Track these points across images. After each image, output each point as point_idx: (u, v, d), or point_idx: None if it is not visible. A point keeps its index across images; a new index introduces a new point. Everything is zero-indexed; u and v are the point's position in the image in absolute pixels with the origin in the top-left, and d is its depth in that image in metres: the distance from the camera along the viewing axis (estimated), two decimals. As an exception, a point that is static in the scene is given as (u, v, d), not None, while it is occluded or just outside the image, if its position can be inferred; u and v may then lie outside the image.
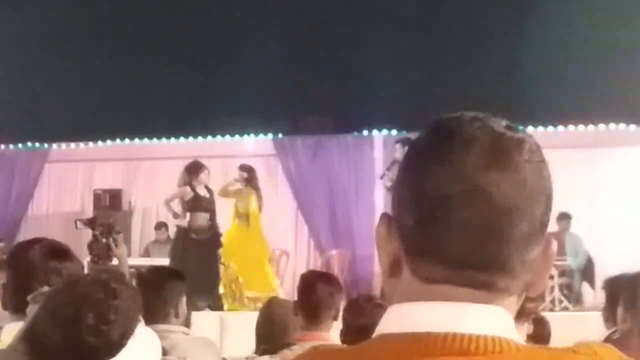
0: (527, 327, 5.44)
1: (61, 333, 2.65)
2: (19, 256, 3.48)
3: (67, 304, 2.70)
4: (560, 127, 13.49)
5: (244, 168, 12.78)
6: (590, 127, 13.61)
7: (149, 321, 4.77)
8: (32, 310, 2.87)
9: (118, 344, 2.73)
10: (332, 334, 4.75)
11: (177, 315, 4.84)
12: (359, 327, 4.30)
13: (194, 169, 12.43)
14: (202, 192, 12.35)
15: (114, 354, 2.73)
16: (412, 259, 1.25)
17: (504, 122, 1.25)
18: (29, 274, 3.27)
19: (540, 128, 12.74)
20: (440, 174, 1.21)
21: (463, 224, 1.20)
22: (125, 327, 2.72)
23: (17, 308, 3.23)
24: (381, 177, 12.55)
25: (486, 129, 1.23)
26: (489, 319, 1.20)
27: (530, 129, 12.42)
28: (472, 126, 1.23)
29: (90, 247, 7.45)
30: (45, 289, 3.07)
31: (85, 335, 2.64)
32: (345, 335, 4.59)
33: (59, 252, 3.42)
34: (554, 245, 1.27)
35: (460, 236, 1.20)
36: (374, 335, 1.25)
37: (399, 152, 11.92)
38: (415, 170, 1.25)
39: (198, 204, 12.27)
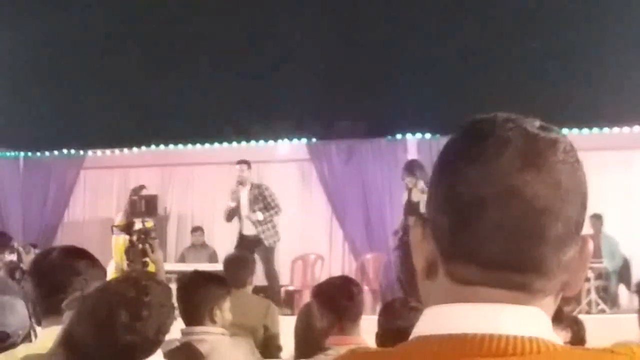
0: (564, 335, 5.43)
1: (97, 334, 2.67)
2: (38, 263, 3.51)
3: (101, 305, 2.72)
4: (595, 129, 13.41)
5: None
6: (626, 128, 13.52)
7: (190, 323, 4.83)
8: (67, 316, 2.89)
9: (154, 341, 2.74)
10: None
11: (212, 320, 4.87)
12: (394, 330, 4.30)
13: None
14: None
15: (152, 351, 2.75)
16: (447, 260, 1.25)
17: (537, 123, 1.25)
18: (49, 277, 3.30)
19: (575, 130, 12.67)
20: (475, 175, 1.21)
21: (498, 226, 1.19)
22: (159, 323, 2.73)
23: (48, 312, 3.26)
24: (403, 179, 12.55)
25: (520, 130, 1.23)
26: (525, 319, 1.20)
27: (564, 131, 12.40)
28: (506, 127, 1.23)
29: (127, 252, 7.50)
30: (78, 294, 3.09)
31: (121, 334, 2.65)
32: (381, 338, 4.60)
33: (76, 252, 3.46)
34: (590, 245, 1.26)
35: (495, 238, 1.20)
36: (411, 337, 1.25)
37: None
38: (450, 172, 1.24)
39: None
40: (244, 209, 12.64)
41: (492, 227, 1.20)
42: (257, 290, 11.53)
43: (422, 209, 12.02)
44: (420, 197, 12.06)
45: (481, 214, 1.20)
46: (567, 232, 1.22)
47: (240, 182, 12.74)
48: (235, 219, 12.74)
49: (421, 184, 12.06)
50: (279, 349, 7.02)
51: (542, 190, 1.20)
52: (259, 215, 12.59)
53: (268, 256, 12.55)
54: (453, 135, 1.29)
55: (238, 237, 12.66)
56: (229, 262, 7.52)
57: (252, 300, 7.14)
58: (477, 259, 1.21)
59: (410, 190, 12.23)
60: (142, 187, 13.09)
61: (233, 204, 12.66)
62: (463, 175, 1.22)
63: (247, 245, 12.13)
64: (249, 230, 12.56)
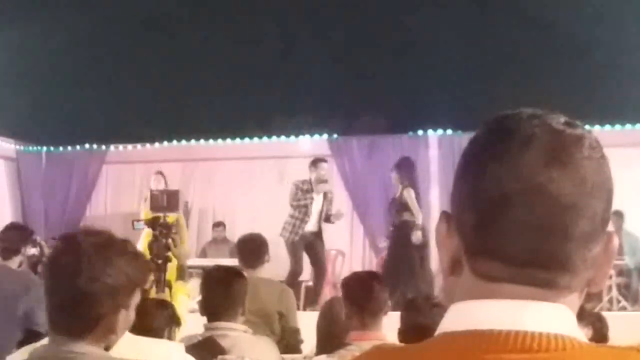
0: (586, 332, 5.42)
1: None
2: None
3: None
4: (617, 125, 13.35)
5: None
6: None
7: (214, 318, 4.84)
8: None
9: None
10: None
11: (243, 313, 4.90)
12: (417, 326, 4.31)
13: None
14: None
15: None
16: (472, 257, 1.25)
17: (562, 119, 1.25)
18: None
19: (597, 126, 12.63)
20: (500, 172, 1.21)
21: (523, 223, 1.20)
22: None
23: None
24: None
25: (545, 126, 1.23)
26: (551, 316, 1.20)
27: (587, 128, 12.35)
28: (531, 123, 1.23)
29: (151, 247, 7.53)
30: None
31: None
32: (404, 334, 4.61)
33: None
34: (616, 241, 1.26)
35: (521, 235, 1.20)
36: (436, 333, 1.26)
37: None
38: (474, 169, 1.25)
39: None
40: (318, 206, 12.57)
41: (518, 224, 1.20)
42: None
43: (411, 207, 12.13)
44: (408, 196, 12.13)
45: (507, 211, 1.20)
46: (592, 229, 1.22)
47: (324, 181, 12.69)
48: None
49: (407, 184, 12.16)
50: (298, 342, 6.99)
51: (568, 187, 1.20)
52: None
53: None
54: (477, 131, 1.29)
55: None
56: (243, 242, 7.44)
57: (264, 283, 6.96)
58: (503, 256, 1.22)
59: (399, 188, 12.29)
60: (159, 172, 13.13)
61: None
62: (488, 172, 1.22)
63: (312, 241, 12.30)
64: (313, 227, 12.53)
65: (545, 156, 1.20)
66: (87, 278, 2.58)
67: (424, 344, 1.27)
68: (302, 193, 12.39)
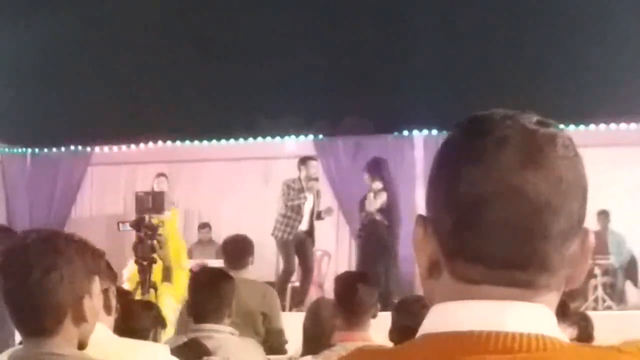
0: (571, 331, 5.43)
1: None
2: None
3: None
4: (602, 125, 13.38)
5: None
6: (633, 125, 13.48)
7: (201, 320, 4.84)
8: None
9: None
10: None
11: (230, 315, 4.90)
12: (407, 328, 4.31)
13: None
14: None
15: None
16: (450, 260, 1.25)
17: (535, 118, 1.25)
18: None
19: (582, 126, 12.66)
20: (475, 175, 1.21)
21: (500, 225, 1.20)
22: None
23: None
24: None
25: (518, 127, 1.23)
26: (531, 316, 1.20)
27: (572, 127, 12.43)
28: (504, 124, 1.23)
29: (136, 248, 7.52)
30: None
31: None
32: (394, 335, 4.62)
33: None
34: (592, 237, 1.27)
35: (498, 236, 1.20)
36: (417, 335, 1.26)
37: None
38: (449, 172, 1.25)
39: None
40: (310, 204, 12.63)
41: (495, 226, 1.20)
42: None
43: (379, 207, 12.26)
44: (379, 196, 12.26)
45: (483, 214, 1.20)
46: (569, 227, 1.22)
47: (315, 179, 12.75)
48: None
49: (378, 184, 12.28)
50: (282, 343, 6.99)
51: (544, 187, 1.20)
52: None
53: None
54: (450, 133, 1.29)
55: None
56: (228, 243, 7.45)
57: (248, 284, 6.90)
58: (481, 258, 1.22)
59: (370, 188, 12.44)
60: (159, 174, 13.19)
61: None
62: (463, 175, 1.22)
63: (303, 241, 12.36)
64: (305, 227, 12.57)
65: (520, 157, 1.21)
66: (40, 272, 2.57)
67: (405, 345, 1.27)
68: (295, 192, 12.41)
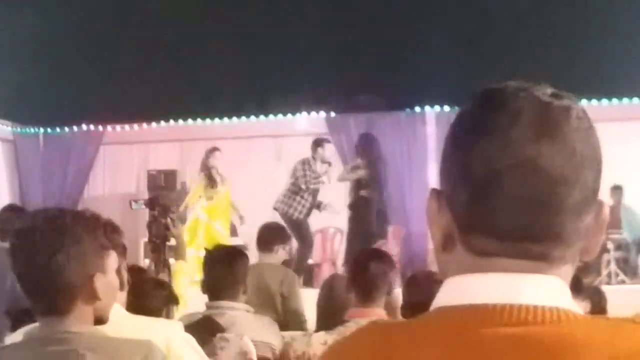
0: (584, 305, 5.43)
1: None
2: None
3: None
4: (615, 100, 13.32)
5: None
6: (646, 99, 13.42)
7: (215, 297, 4.85)
8: None
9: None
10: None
11: (245, 292, 4.92)
12: (418, 303, 4.29)
13: None
14: None
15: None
16: (465, 233, 1.25)
17: (549, 90, 1.25)
18: None
19: (595, 100, 12.60)
20: (489, 148, 1.21)
21: (515, 197, 1.20)
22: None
23: None
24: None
25: (532, 99, 1.23)
26: (545, 289, 1.20)
27: (585, 102, 12.36)
28: (518, 97, 1.23)
29: (150, 227, 7.54)
30: None
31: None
32: (405, 311, 4.62)
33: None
34: (606, 209, 1.27)
35: (513, 209, 1.20)
36: (432, 308, 1.26)
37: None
38: (463, 145, 1.24)
39: None
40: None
41: (510, 199, 1.20)
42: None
43: (354, 180, 12.43)
44: (354, 171, 12.44)
45: (498, 187, 1.20)
46: (584, 199, 1.22)
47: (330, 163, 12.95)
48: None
49: (358, 160, 12.46)
50: (301, 323, 7.06)
51: (558, 160, 1.20)
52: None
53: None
54: (464, 106, 1.29)
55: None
56: (262, 227, 7.75)
57: (271, 267, 7.25)
58: (496, 231, 1.21)
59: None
60: (214, 149, 13.25)
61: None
62: (477, 149, 1.21)
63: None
64: None
65: (534, 130, 1.20)
66: (47, 253, 2.56)
67: (418, 318, 1.27)
68: (312, 174, 12.59)
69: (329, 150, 13.04)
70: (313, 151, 12.92)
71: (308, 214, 12.82)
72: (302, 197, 12.64)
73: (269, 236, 7.54)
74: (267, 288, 6.92)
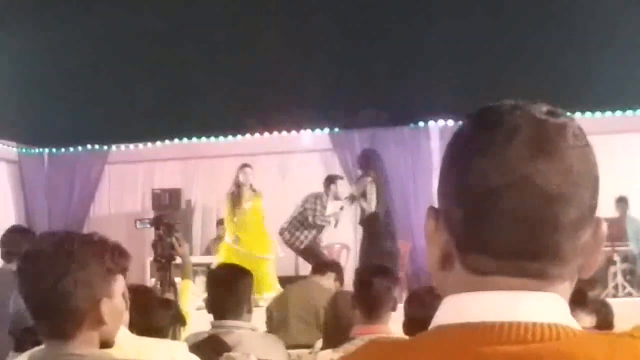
0: (591, 319, 5.41)
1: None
2: None
3: None
4: (619, 112, 13.31)
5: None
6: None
7: (220, 316, 4.86)
8: None
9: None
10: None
11: (249, 311, 4.93)
12: (420, 319, 4.30)
13: None
14: None
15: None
16: (462, 251, 1.25)
17: (545, 108, 1.25)
18: None
19: (599, 113, 12.60)
20: (485, 166, 1.21)
21: (512, 216, 1.20)
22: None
23: None
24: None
25: (528, 117, 1.23)
26: (543, 306, 1.20)
27: (589, 115, 12.36)
28: (513, 115, 1.23)
29: (155, 246, 7.53)
30: None
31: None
32: (407, 327, 4.61)
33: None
34: (604, 226, 1.26)
35: (509, 228, 1.20)
36: (430, 326, 1.26)
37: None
38: (460, 163, 1.25)
39: None
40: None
41: (507, 218, 1.20)
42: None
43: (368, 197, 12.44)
44: (359, 184, 12.51)
45: (495, 205, 1.20)
46: (581, 217, 1.22)
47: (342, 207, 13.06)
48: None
49: (362, 175, 12.55)
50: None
51: (554, 177, 1.20)
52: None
53: None
54: (461, 124, 1.29)
55: None
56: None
57: (320, 288, 7.81)
58: (493, 250, 1.22)
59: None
60: (245, 165, 13.10)
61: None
62: (474, 167, 1.22)
63: None
64: None
65: (530, 147, 1.20)
66: (53, 278, 2.55)
67: (418, 337, 1.27)
68: (322, 210, 12.61)
69: (341, 187, 13.10)
70: (326, 187, 12.93)
71: (310, 245, 12.82)
72: (307, 230, 12.66)
73: (322, 263, 8.55)
74: (315, 307, 7.37)
